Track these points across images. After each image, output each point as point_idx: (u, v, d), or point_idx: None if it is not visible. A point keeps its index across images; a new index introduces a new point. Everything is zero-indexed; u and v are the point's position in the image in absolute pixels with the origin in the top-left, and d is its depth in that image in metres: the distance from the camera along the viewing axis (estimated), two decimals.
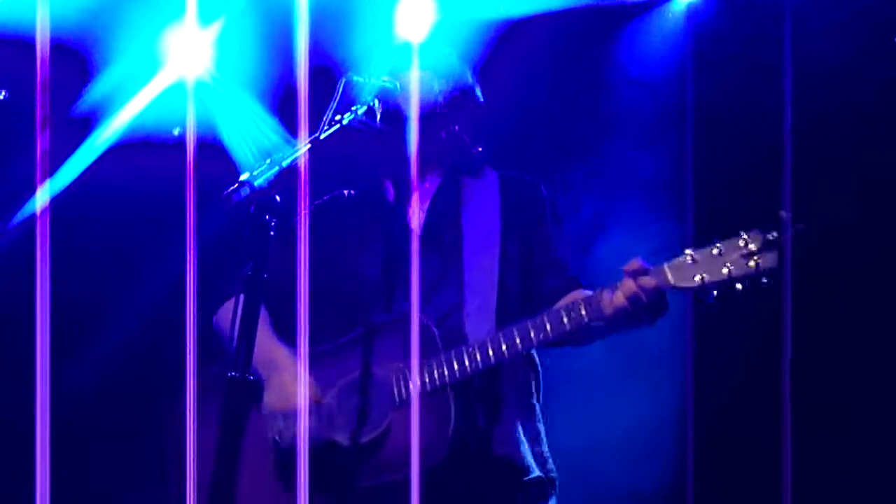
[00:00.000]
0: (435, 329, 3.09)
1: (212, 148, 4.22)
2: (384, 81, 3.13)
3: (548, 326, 3.01)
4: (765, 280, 2.84)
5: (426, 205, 3.33)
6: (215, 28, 4.35)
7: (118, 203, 4.61)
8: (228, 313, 2.84)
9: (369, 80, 3.10)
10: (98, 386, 4.68)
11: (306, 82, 3.37)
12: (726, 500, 4.58)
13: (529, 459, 3.18)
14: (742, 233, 2.86)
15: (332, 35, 4.08)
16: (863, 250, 4.43)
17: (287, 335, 3.20)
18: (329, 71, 3.79)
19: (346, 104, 3.04)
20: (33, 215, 4.01)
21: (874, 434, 4.43)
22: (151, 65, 4.44)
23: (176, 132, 4.47)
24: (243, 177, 2.87)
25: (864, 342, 4.43)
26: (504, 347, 3.03)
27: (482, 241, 3.26)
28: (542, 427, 3.25)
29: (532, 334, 3.02)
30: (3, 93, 4.51)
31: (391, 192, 3.36)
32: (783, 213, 2.82)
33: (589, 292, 3.10)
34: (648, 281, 2.92)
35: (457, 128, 3.35)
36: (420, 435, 2.98)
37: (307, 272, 3.11)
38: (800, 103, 4.04)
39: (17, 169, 4.20)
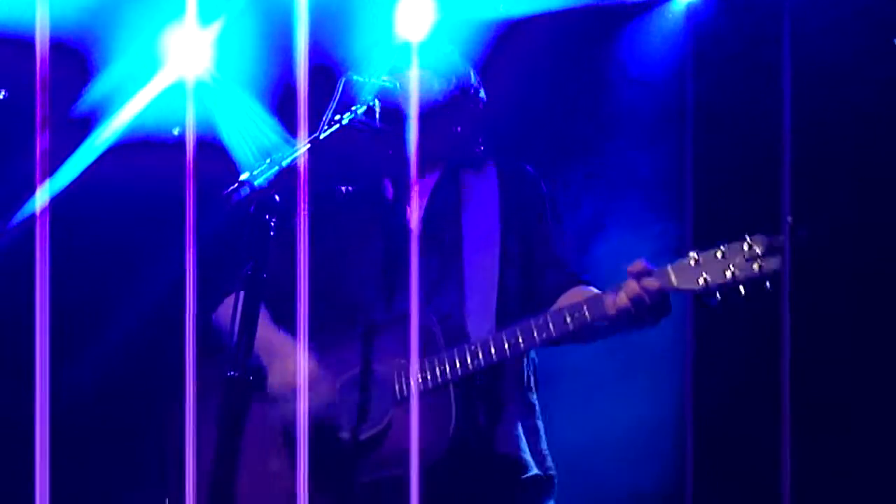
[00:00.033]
0: (436, 327, 3.09)
1: (212, 148, 4.21)
2: (384, 81, 3.14)
3: (551, 326, 3.01)
4: (768, 284, 2.84)
5: (424, 201, 3.33)
6: (215, 28, 4.34)
7: (118, 203, 4.60)
8: (228, 309, 2.85)
9: (369, 79, 3.11)
10: (98, 386, 4.68)
11: (306, 82, 3.37)
12: (726, 500, 4.57)
13: (528, 457, 3.18)
14: (746, 236, 2.87)
15: (332, 35, 4.08)
16: (862, 250, 4.43)
17: (287, 334, 3.20)
18: (329, 70, 3.79)
19: (346, 104, 3.04)
20: (33, 215, 4.00)
21: (874, 434, 4.42)
22: (151, 65, 4.43)
23: (176, 132, 4.46)
24: (243, 176, 2.88)
25: (864, 342, 4.43)
26: (507, 346, 3.03)
27: (482, 238, 3.26)
28: (541, 424, 3.26)
29: (535, 333, 3.02)
30: (3, 92, 4.51)
31: (390, 191, 3.36)
32: (789, 219, 2.83)
33: (589, 288, 3.10)
34: (652, 282, 2.93)
35: (459, 129, 3.35)
36: (421, 432, 2.98)
37: (307, 272, 3.10)
38: (799, 103, 4.02)
39: (16, 169, 4.19)
